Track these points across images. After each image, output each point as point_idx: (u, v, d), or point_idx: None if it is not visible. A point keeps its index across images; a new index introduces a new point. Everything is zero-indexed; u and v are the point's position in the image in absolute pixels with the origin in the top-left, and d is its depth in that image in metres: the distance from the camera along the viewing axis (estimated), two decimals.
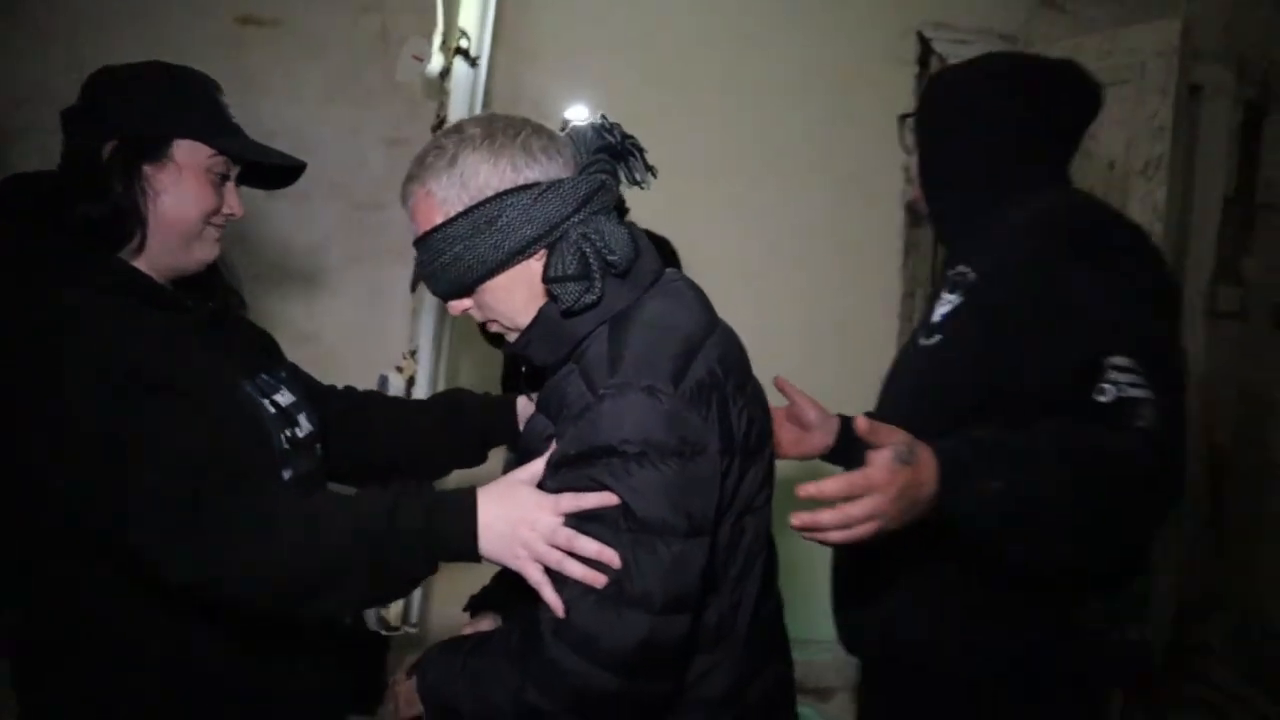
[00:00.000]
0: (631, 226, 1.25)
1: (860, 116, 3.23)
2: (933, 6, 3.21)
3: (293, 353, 3.03)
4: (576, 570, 1.10)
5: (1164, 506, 1.24)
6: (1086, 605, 1.40)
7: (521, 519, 1.12)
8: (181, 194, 1.26)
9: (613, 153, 1.26)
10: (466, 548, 1.14)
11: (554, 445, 1.19)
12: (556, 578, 1.13)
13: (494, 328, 1.28)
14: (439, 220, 1.19)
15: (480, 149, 1.18)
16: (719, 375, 1.18)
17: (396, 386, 2.52)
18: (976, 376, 1.37)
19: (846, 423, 1.70)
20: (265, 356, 1.46)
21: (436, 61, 2.50)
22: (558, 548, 1.11)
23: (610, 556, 1.09)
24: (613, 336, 1.17)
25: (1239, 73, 3.28)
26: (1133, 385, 1.21)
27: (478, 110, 2.65)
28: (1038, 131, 1.53)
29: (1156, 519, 1.26)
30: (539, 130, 1.23)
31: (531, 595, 1.16)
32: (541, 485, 1.18)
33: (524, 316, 1.24)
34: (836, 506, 1.05)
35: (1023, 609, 1.36)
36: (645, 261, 1.24)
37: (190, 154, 1.27)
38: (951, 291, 1.47)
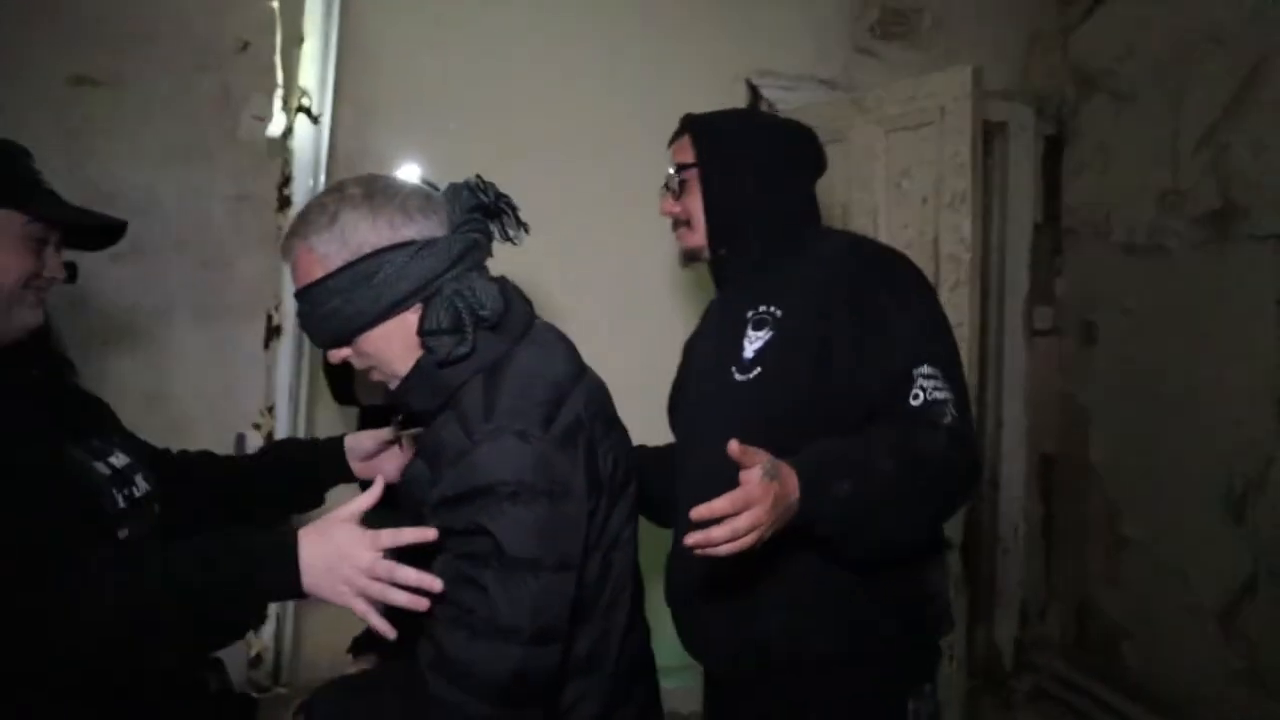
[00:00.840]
0: (503, 281, 1.34)
1: None
2: (759, 55, 3.40)
3: (144, 416, 2.99)
4: (401, 599, 1.16)
5: (970, 486, 1.47)
6: (910, 577, 1.58)
7: (340, 555, 1.16)
8: None
9: (486, 211, 1.34)
10: (289, 588, 1.18)
11: (424, 489, 1.25)
12: (432, 615, 1.18)
13: (375, 376, 1.34)
14: (319, 274, 1.26)
15: (360, 207, 1.26)
16: (585, 419, 1.28)
17: (255, 444, 2.52)
18: (805, 399, 1.52)
19: None
20: (96, 422, 1.46)
21: (278, 121, 2.53)
22: (379, 579, 1.17)
23: (430, 582, 1.16)
24: (487, 385, 1.25)
25: (1037, 110, 3.59)
26: (936, 389, 1.43)
27: (322, 167, 2.69)
28: (806, 190, 1.73)
29: (965, 498, 1.50)
30: (416, 191, 1.31)
31: (412, 634, 1.22)
32: (420, 523, 1.24)
33: (401, 364, 1.30)
34: (724, 522, 1.17)
35: (858, 589, 1.52)
36: (515, 314, 1.33)
37: (4, 222, 1.27)
38: (759, 329, 1.59)
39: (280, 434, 2.58)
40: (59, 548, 1.15)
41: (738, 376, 1.59)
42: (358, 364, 1.34)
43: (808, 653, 1.53)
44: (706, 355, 1.73)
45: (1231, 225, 2.90)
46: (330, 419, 3.06)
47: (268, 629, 2.73)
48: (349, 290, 1.24)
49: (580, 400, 1.30)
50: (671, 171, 1.73)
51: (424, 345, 1.27)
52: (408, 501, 1.33)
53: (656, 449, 1.85)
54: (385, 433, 1.65)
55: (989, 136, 3.45)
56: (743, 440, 1.43)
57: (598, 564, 1.30)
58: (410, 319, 1.28)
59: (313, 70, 2.59)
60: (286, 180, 2.57)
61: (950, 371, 1.48)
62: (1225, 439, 2.88)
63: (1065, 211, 3.63)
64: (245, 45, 3.04)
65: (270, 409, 2.58)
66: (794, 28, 3.43)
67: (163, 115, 3.04)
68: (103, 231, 1.43)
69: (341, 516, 1.20)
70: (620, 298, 3.32)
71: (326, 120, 2.66)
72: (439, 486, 1.22)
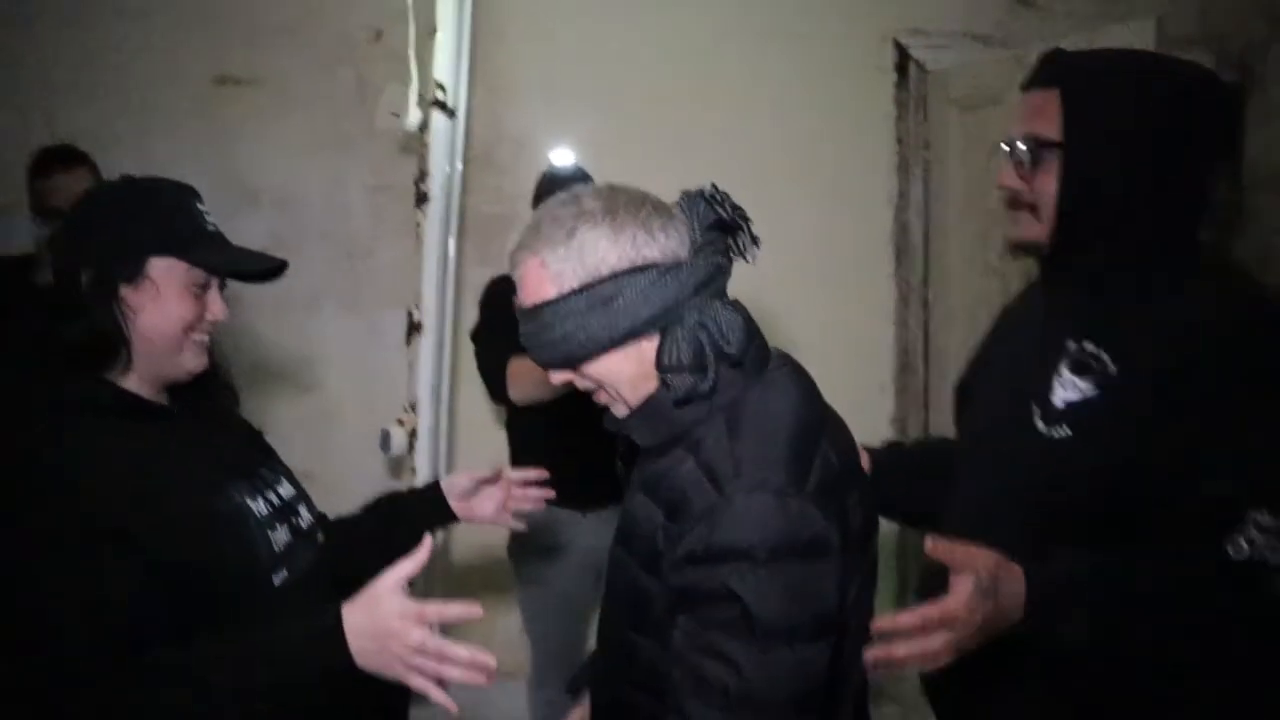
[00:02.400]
0: (742, 309, 1.23)
1: (842, 126, 3.24)
2: (906, 13, 3.21)
3: (297, 408, 3.09)
4: (456, 675, 1.11)
5: (1271, 683, 1.18)
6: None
7: (388, 633, 1.12)
8: (160, 310, 1.28)
9: (723, 227, 1.23)
10: (344, 670, 1.15)
11: (661, 534, 1.18)
12: (685, 692, 1.11)
13: (601, 398, 1.27)
14: (551, 293, 1.18)
15: (601, 225, 1.16)
16: (838, 471, 1.18)
17: (399, 442, 2.54)
18: (1113, 492, 1.22)
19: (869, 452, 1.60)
20: (261, 452, 1.48)
21: (413, 116, 2.50)
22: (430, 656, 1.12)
23: (485, 659, 1.10)
24: (731, 429, 1.16)
25: (1218, 56, 3.26)
26: (1273, 549, 1.09)
27: (459, 157, 2.66)
28: (1207, 183, 1.30)
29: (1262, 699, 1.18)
30: (659, 207, 1.20)
31: (638, 697, 1.20)
32: (664, 580, 1.17)
33: (629, 390, 1.22)
34: (913, 639, 1.04)
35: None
36: (755, 347, 1.22)
37: (166, 270, 1.28)
38: (1079, 374, 1.28)
39: (423, 429, 2.58)
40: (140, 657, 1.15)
41: (1040, 426, 1.29)
42: (580, 385, 1.26)
43: None
44: (1009, 368, 1.43)
45: None
46: (473, 418, 3.07)
47: None
48: (584, 314, 1.16)
49: (831, 450, 1.19)
50: (1020, 144, 1.31)
51: (662, 381, 1.18)
52: (631, 538, 1.26)
53: (921, 443, 1.66)
54: (480, 472, 1.63)
55: None
56: (1030, 511, 1.24)
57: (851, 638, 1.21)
58: (646, 347, 1.19)
59: (446, 61, 2.53)
60: (423, 175, 2.54)
61: None
62: None
63: (1247, 167, 3.30)
64: (378, 35, 3.05)
65: (413, 406, 2.58)
66: None
67: (302, 109, 3.09)
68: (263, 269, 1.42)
69: (385, 587, 1.15)
70: (777, 267, 3.19)
71: (462, 112, 2.62)
72: (685, 542, 1.13)
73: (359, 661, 1.14)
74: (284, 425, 3.04)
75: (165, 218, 1.31)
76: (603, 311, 1.16)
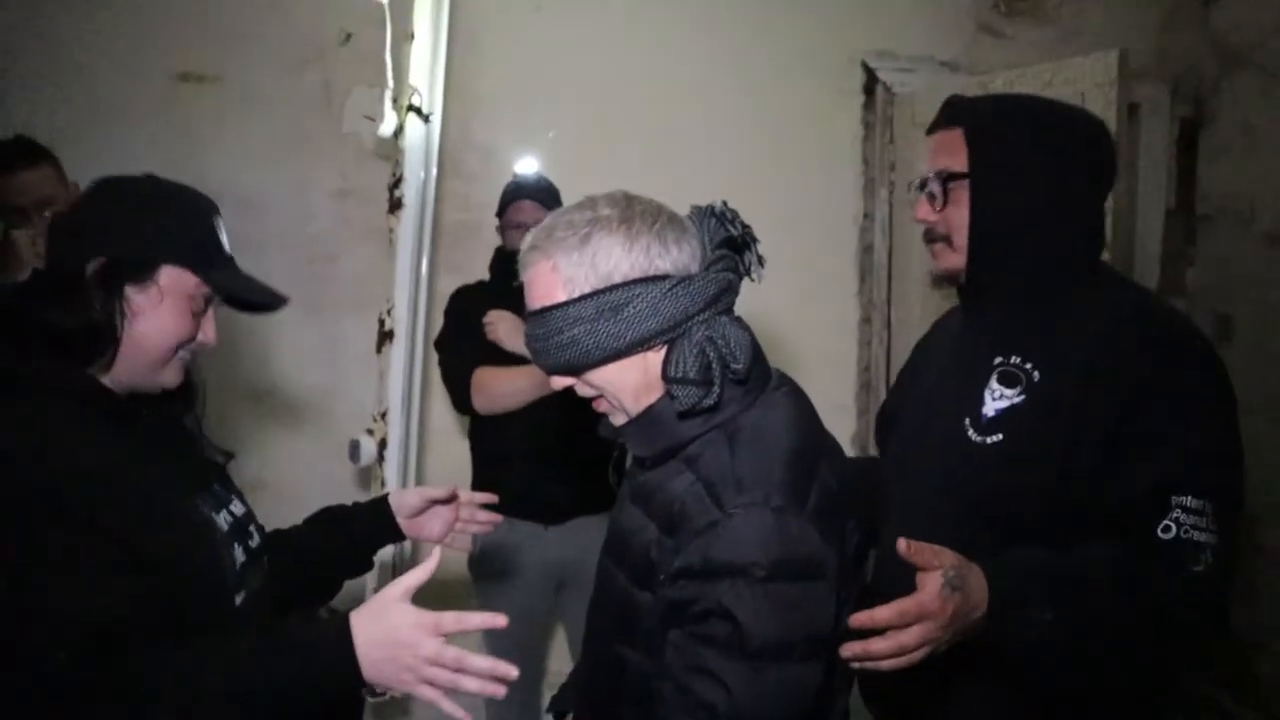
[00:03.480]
0: (747, 327, 1.23)
1: (810, 146, 3.27)
2: (875, 35, 3.24)
3: (255, 415, 3.01)
4: (473, 686, 1.09)
5: (1204, 650, 1.27)
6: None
7: (400, 643, 1.09)
8: (159, 319, 1.24)
9: (733, 245, 1.24)
10: (349, 680, 1.11)
11: (654, 548, 1.18)
12: (674, 707, 1.11)
13: (601, 406, 1.26)
14: (561, 298, 1.17)
15: (616, 232, 1.16)
16: (836, 494, 1.19)
17: (369, 451, 2.49)
18: (1046, 486, 1.30)
19: None
20: (216, 466, 1.42)
21: (389, 121, 2.47)
22: (446, 667, 1.09)
23: (506, 670, 1.08)
24: (733, 447, 1.16)
25: (1174, 90, 3.37)
26: (1196, 528, 1.19)
27: (433, 165, 2.63)
28: (1097, 208, 1.42)
29: (1193, 660, 1.31)
30: (673, 219, 1.20)
31: (624, 710, 1.18)
32: (656, 593, 1.16)
33: (631, 399, 1.21)
34: (888, 634, 1.05)
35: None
36: (761, 366, 1.23)
37: (176, 281, 1.24)
38: (1007, 385, 1.37)
39: (393, 439, 2.54)
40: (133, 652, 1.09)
41: (974, 436, 1.37)
42: (581, 393, 1.25)
43: None
44: (937, 389, 1.50)
45: None
46: (441, 428, 3.03)
47: None
48: (593, 320, 1.15)
49: (829, 472, 1.20)
50: (931, 175, 1.43)
51: (668, 392, 1.17)
52: (621, 551, 1.25)
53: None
54: (433, 491, 1.58)
55: None
56: (968, 517, 1.29)
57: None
58: (652, 358, 1.19)
59: (423, 67, 2.51)
60: (398, 181, 2.50)
61: (1223, 514, 1.21)
62: None
63: (1201, 198, 3.41)
64: (348, 38, 3.00)
65: (384, 415, 2.53)
66: (912, 5, 3.26)
67: (266, 110, 3.03)
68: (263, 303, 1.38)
69: (394, 596, 1.12)
70: (743, 285, 3.21)
71: (437, 118, 2.59)
72: (683, 557, 1.13)
73: (365, 672, 1.10)
74: (243, 432, 2.98)
75: (188, 228, 1.27)
76: (612, 319, 1.15)
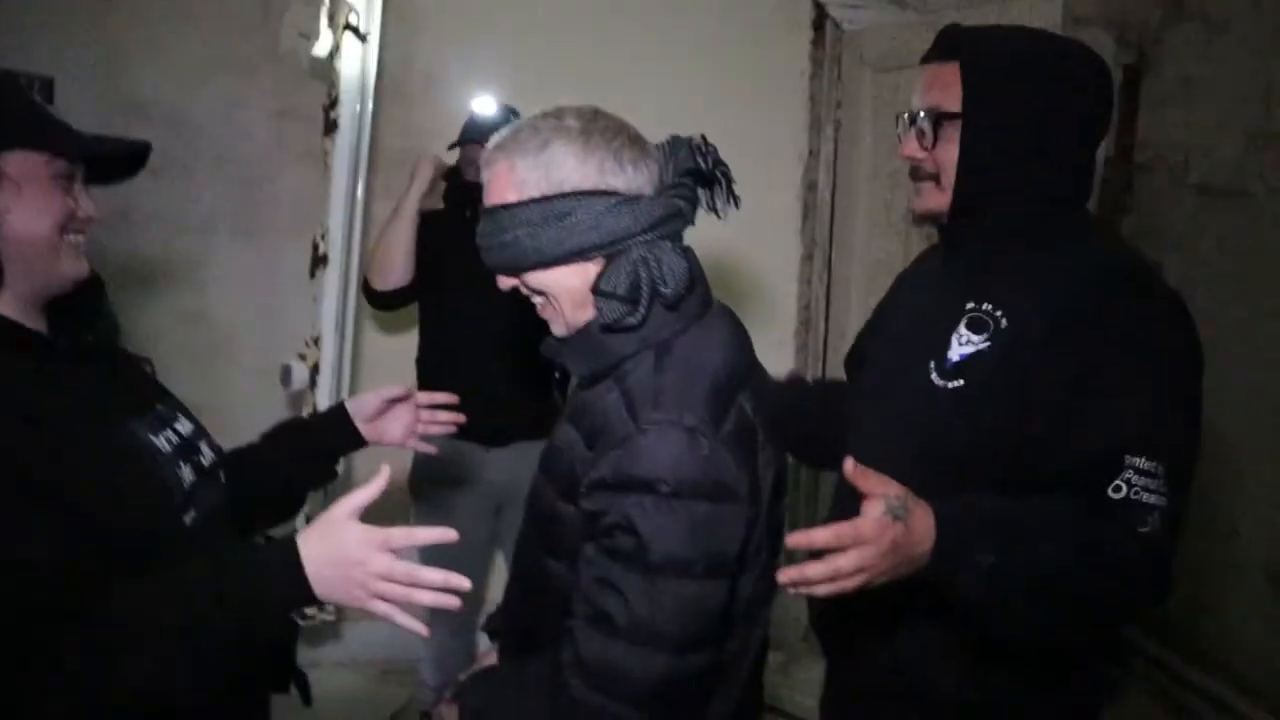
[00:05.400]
0: (690, 255, 1.25)
1: (756, 80, 3.25)
2: None
3: (187, 337, 2.97)
4: (426, 599, 1.10)
5: (1143, 608, 1.28)
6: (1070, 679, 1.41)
7: (350, 560, 1.09)
8: (28, 209, 1.15)
9: (699, 177, 1.25)
10: (301, 599, 1.11)
11: (578, 461, 1.20)
12: (579, 617, 1.15)
13: (545, 313, 1.28)
14: (512, 198, 1.20)
15: (574, 143, 1.18)
16: (753, 422, 1.21)
17: (300, 376, 2.47)
18: (1002, 435, 1.29)
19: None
20: (153, 386, 1.38)
21: (325, 40, 2.40)
22: (398, 582, 1.10)
23: (459, 582, 1.10)
24: (658, 366, 1.19)
25: (1116, 38, 3.38)
26: (1147, 490, 1.18)
27: (370, 87, 2.57)
28: (1090, 154, 1.39)
29: (1130, 618, 1.28)
30: (635, 140, 1.22)
31: (548, 622, 1.21)
32: (574, 503, 1.19)
33: (570, 307, 1.23)
34: (825, 558, 1.03)
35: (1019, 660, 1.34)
36: (696, 295, 1.24)
37: (24, 164, 1.15)
38: (975, 330, 1.35)
39: (325, 365, 2.51)
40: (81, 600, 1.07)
41: (935, 380, 1.36)
42: (524, 293, 1.27)
43: (931, 692, 1.38)
44: (909, 329, 1.48)
45: None
46: (375, 356, 3.01)
47: None
48: (537, 224, 1.18)
49: (749, 400, 1.22)
50: (922, 111, 1.36)
51: (594, 305, 1.20)
52: (551, 465, 1.28)
53: (820, 384, 1.69)
54: (388, 390, 1.57)
55: None
56: (921, 458, 1.28)
57: (752, 581, 1.24)
58: (592, 269, 1.21)
59: None
60: (333, 102, 2.44)
61: (1176, 478, 1.20)
62: None
63: (1138, 147, 3.44)
64: None
65: (316, 340, 2.51)
66: None
67: (198, 24, 2.93)
68: (128, 159, 1.31)
69: (341, 515, 1.11)
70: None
71: (375, 39, 2.52)
72: (597, 469, 1.16)
73: (317, 590, 1.10)
74: (172, 355, 2.92)
75: (11, 108, 1.18)
76: (555, 226, 1.18)
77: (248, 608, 1.10)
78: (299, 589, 1.10)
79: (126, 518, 1.15)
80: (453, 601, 1.11)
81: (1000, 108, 1.32)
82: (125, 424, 1.24)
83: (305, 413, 2.53)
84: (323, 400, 2.49)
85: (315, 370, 2.50)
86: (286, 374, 2.47)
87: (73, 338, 1.25)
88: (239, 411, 2.55)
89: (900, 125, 1.42)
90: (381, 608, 1.11)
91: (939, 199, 1.39)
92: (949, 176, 1.37)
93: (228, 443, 1.54)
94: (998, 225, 1.37)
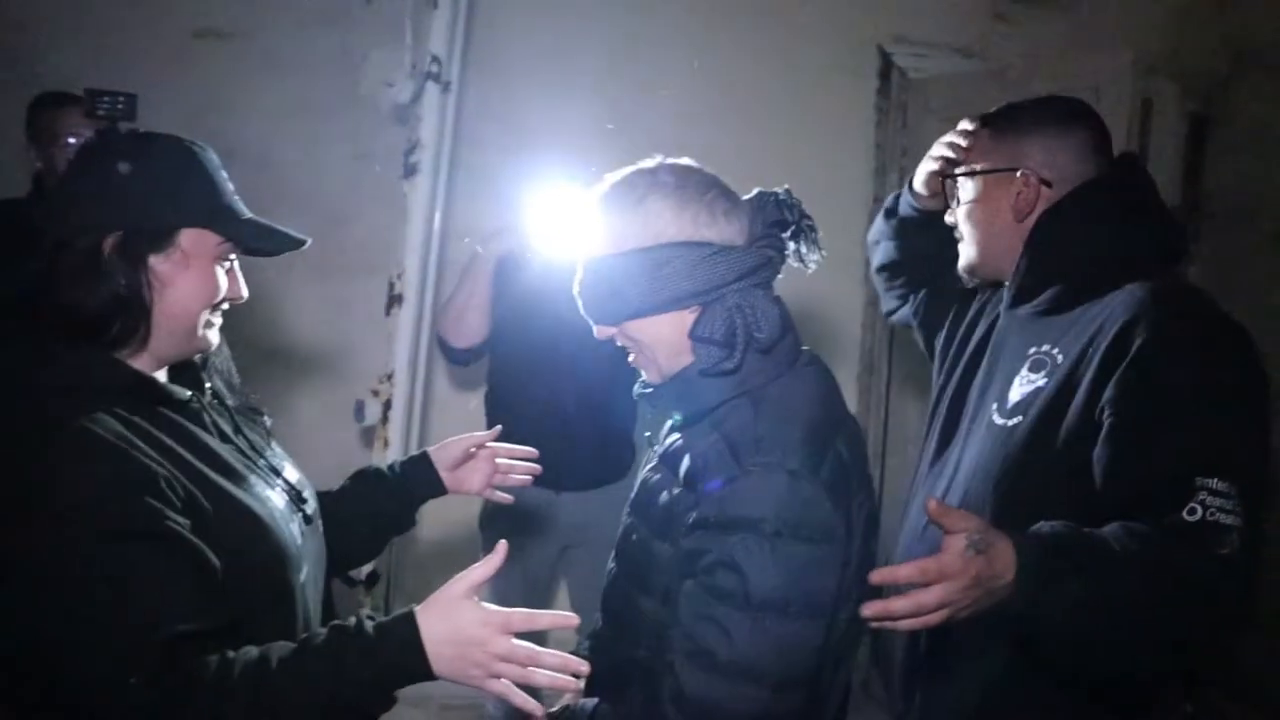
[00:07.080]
0: (781, 304, 1.30)
1: (824, 128, 3.29)
2: (891, 20, 3.26)
3: (263, 373, 3.04)
4: (543, 680, 1.11)
5: (1227, 632, 1.26)
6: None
7: (470, 640, 1.10)
8: (189, 284, 1.21)
9: (784, 227, 1.30)
10: (419, 677, 1.11)
11: (673, 502, 1.24)
12: (679, 653, 1.17)
13: (637, 361, 1.33)
14: (610, 251, 1.25)
15: (670, 197, 1.24)
16: (848, 466, 1.24)
17: (373, 412, 2.53)
18: (1063, 466, 1.32)
19: None
20: (265, 434, 1.40)
21: (407, 88, 2.49)
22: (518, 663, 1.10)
23: (576, 665, 1.11)
24: (757, 411, 1.22)
25: (1184, 88, 3.37)
26: (1223, 510, 1.17)
27: (449, 134, 2.64)
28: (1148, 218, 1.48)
29: (1213, 643, 1.29)
30: (725, 193, 1.28)
31: (640, 658, 1.24)
32: (674, 542, 1.22)
33: (665, 356, 1.28)
34: (908, 593, 1.04)
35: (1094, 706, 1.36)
36: (789, 341, 1.29)
37: (197, 241, 1.21)
38: (1035, 370, 1.41)
39: (398, 402, 2.57)
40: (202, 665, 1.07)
41: (996, 419, 1.42)
42: (621, 343, 1.32)
43: None
44: (972, 376, 1.56)
45: None
46: (447, 394, 3.07)
47: None
48: (636, 275, 1.23)
49: (845, 447, 1.26)
50: (959, 170, 1.57)
51: (692, 350, 1.25)
52: (644, 506, 1.32)
53: None
54: (471, 438, 1.59)
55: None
56: (988, 495, 1.31)
57: (843, 623, 1.25)
58: (688, 318, 1.25)
59: (442, 35, 2.51)
60: (413, 147, 2.52)
61: (1251, 492, 1.19)
62: None
63: (1205, 196, 3.42)
64: (369, 0, 3.01)
65: (390, 376, 2.57)
66: None
67: (282, 69, 3.05)
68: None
69: (459, 593, 1.12)
70: None
71: (455, 87, 2.60)
72: (700, 508, 1.20)
73: (435, 668, 1.10)
74: (248, 391, 3.01)
75: (197, 184, 1.22)
76: (653, 276, 1.23)
77: (368, 687, 1.10)
78: (418, 668, 1.10)
79: (247, 580, 1.17)
80: (571, 684, 1.12)
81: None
82: (248, 480, 1.25)
83: (377, 447, 2.60)
84: (395, 435, 2.55)
85: (388, 406, 2.56)
86: (360, 409, 2.54)
87: (197, 387, 1.28)
88: (312, 445, 2.62)
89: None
90: (498, 687, 1.11)
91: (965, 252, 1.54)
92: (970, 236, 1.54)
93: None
94: (1056, 287, 1.44)
